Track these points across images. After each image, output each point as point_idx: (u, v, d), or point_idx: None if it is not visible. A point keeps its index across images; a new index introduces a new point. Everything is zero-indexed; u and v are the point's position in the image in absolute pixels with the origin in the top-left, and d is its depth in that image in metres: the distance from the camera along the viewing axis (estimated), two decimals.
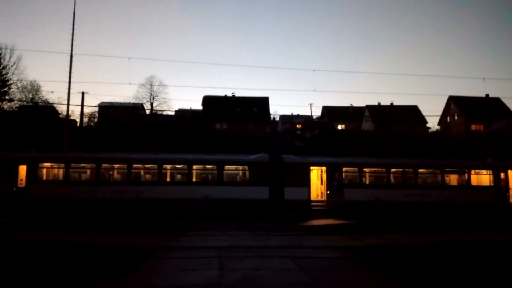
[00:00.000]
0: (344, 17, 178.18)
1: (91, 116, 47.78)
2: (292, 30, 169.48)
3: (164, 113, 60.59)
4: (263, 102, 61.15)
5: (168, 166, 21.74)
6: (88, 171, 21.66)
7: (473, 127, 59.18)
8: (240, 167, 22.18)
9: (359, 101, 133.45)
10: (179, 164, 22.05)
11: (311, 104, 72.00)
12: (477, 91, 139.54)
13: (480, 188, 22.67)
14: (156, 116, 56.93)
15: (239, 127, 53.30)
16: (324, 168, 22.37)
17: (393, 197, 21.82)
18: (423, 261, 10.78)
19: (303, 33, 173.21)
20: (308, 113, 69.82)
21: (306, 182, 21.75)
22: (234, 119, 57.01)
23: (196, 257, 10.27)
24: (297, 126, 64.83)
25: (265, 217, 20.18)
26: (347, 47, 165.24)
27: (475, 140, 47.24)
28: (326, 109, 71.34)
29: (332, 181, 21.95)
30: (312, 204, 21.76)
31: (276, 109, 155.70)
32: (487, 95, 61.19)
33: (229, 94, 62.76)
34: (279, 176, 21.59)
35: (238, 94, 62.66)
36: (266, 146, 33.81)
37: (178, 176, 21.98)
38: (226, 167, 21.72)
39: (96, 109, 50.11)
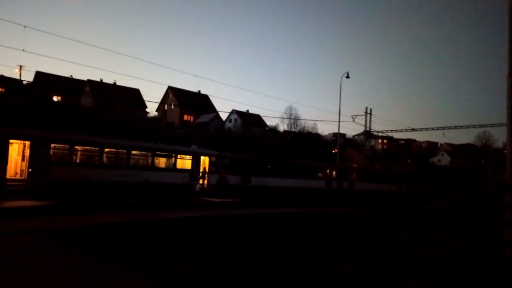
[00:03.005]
0: None
1: None
2: None
3: None
4: None
5: None
6: None
7: (186, 117, 67.40)
8: None
9: (80, 74, 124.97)
10: None
11: (20, 66, 60.62)
12: (192, 86, 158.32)
13: (183, 170, 26.03)
14: None
15: None
16: (28, 143, 19.57)
17: (106, 177, 21.80)
18: (124, 238, 11.35)
19: None
20: (17, 77, 58.74)
21: (2, 158, 18.40)
22: None
23: None
24: (0, 89, 53.54)
25: None
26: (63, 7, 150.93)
27: (186, 128, 54.05)
28: (40, 75, 62.58)
29: (37, 158, 19.54)
30: (9, 183, 18.67)
31: None
32: (199, 91, 70.90)
33: None
34: None
35: None
36: None
37: None
38: None
39: None
